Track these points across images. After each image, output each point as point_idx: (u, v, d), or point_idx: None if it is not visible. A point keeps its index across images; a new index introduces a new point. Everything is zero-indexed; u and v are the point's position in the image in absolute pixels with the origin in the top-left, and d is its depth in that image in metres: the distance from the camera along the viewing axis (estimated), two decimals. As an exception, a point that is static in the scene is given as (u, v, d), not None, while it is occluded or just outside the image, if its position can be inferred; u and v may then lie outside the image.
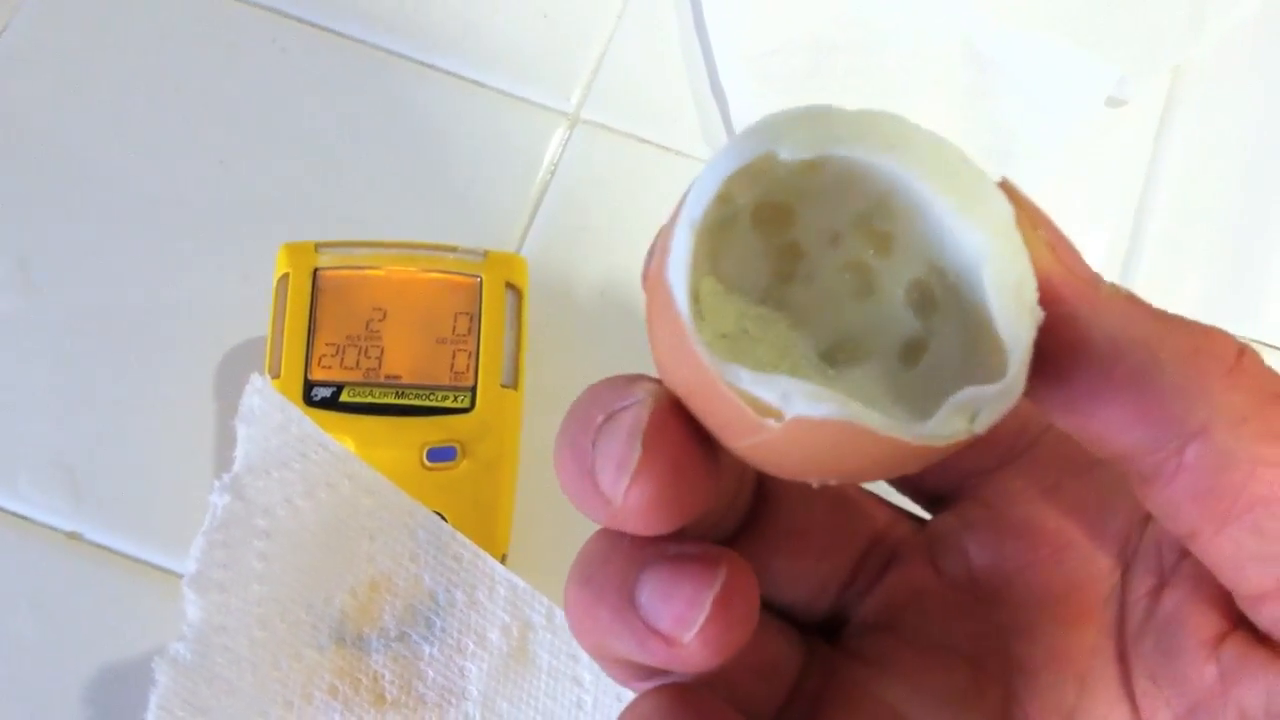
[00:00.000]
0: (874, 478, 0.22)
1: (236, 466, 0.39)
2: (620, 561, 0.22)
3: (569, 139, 0.52)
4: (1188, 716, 0.22)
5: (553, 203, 0.51)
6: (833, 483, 0.21)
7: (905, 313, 0.22)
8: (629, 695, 0.41)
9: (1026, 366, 0.19)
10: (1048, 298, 0.20)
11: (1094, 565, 0.24)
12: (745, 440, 0.20)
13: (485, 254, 0.46)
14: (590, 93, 0.53)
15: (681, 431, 0.21)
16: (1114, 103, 0.53)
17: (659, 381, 0.21)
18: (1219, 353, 0.20)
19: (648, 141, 0.53)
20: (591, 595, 0.22)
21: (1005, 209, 0.20)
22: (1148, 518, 0.23)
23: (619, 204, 0.52)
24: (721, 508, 0.24)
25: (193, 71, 0.52)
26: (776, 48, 0.53)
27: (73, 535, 0.45)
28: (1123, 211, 0.53)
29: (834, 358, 0.22)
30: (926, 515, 0.27)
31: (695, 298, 0.21)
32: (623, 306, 0.50)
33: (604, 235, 0.51)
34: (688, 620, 0.21)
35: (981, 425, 0.19)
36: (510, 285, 0.46)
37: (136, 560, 0.45)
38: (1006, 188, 0.20)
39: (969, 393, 0.19)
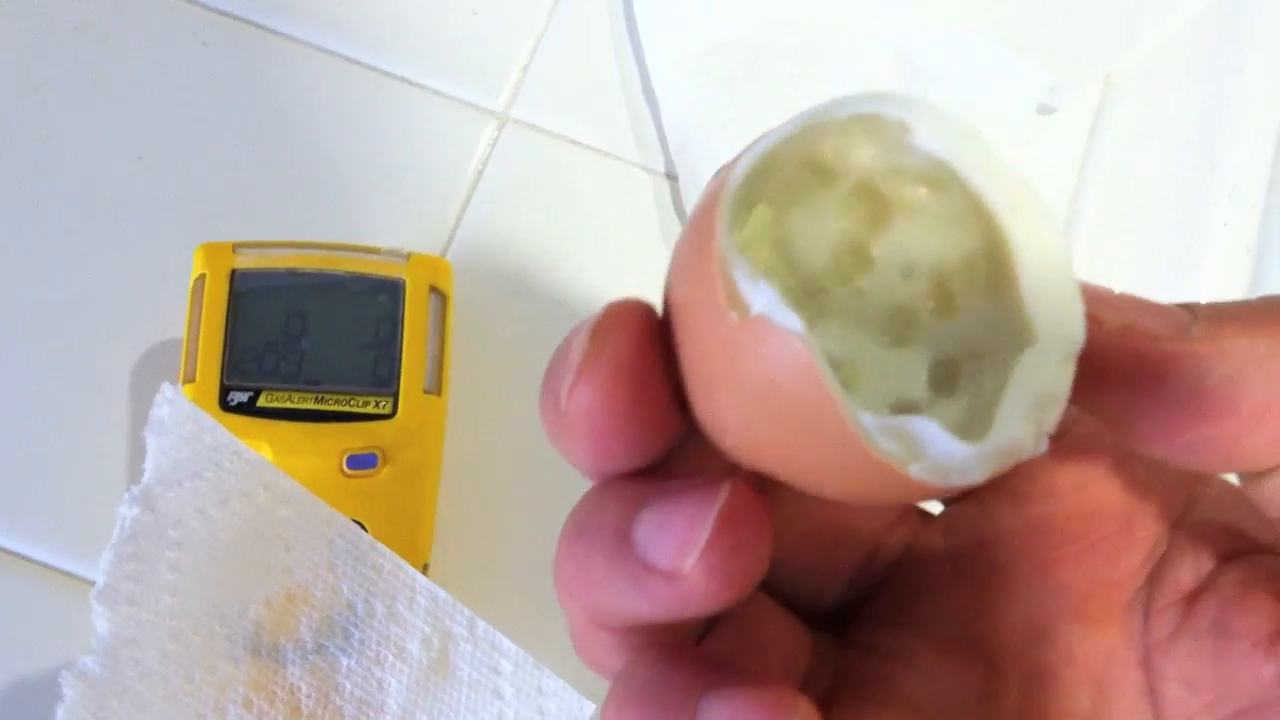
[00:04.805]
0: (818, 476, 0.20)
1: (146, 478, 0.38)
2: (615, 505, 0.21)
3: (497, 139, 0.52)
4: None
5: (480, 204, 0.50)
6: (786, 478, 0.20)
7: (920, 381, 0.21)
8: (551, 708, 0.41)
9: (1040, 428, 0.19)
10: (1143, 372, 0.20)
11: (1119, 568, 0.23)
12: (705, 333, 0.19)
13: (409, 256, 0.45)
14: (520, 92, 0.52)
15: (642, 333, 0.20)
16: (1045, 110, 0.54)
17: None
18: None
19: (578, 143, 0.52)
20: (584, 547, 0.21)
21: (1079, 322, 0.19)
22: (1179, 521, 0.23)
23: (548, 206, 0.51)
24: None
25: (112, 64, 0.51)
26: (709, 50, 0.52)
27: (-21, 542, 0.44)
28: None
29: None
30: (936, 510, 0.26)
31: (747, 207, 0.20)
32: (551, 311, 0.49)
33: (533, 238, 0.50)
34: (688, 544, 0.19)
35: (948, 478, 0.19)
36: (434, 289, 0.45)
37: (47, 567, 0.44)
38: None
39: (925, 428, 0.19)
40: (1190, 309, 0.20)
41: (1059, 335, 0.19)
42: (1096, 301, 0.20)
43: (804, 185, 0.21)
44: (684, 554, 0.19)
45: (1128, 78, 0.55)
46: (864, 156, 0.21)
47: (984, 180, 0.20)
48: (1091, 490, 0.24)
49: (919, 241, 0.21)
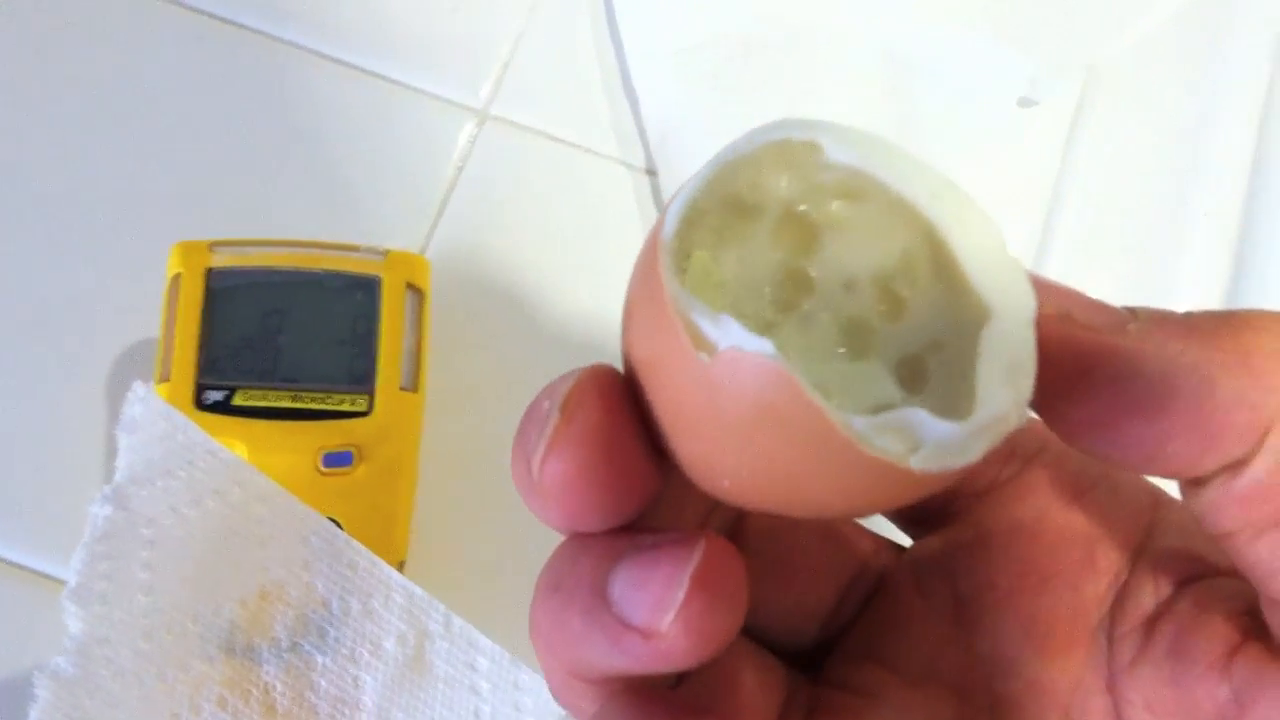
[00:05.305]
0: (821, 494, 0.20)
1: (118, 477, 0.38)
2: (591, 561, 0.20)
3: (477, 136, 0.51)
4: None
5: (460, 201, 0.50)
6: (788, 508, 0.20)
7: (889, 384, 0.21)
8: (528, 703, 0.41)
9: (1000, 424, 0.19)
10: (1076, 361, 0.20)
11: (1083, 595, 0.23)
12: (678, 383, 0.19)
13: (386, 254, 0.45)
14: (500, 88, 0.52)
15: (611, 401, 0.20)
16: (1026, 103, 0.53)
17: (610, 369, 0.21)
18: (1273, 348, 0.19)
19: (559, 139, 0.52)
20: (560, 601, 0.21)
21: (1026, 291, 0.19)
22: (1140, 548, 0.23)
23: (528, 203, 0.51)
24: None
25: (87, 62, 0.51)
26: (689, 47, 0.52)
27: (-44, 542, 0.44)
28: (1033, 211, 0.53)
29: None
30: (907, 543, 0.26)
31: (684, 256, 0.20)
32: (529, 309, 0.49)
33: (512, 235, 0.50)
34: (665, 603, 0.19)
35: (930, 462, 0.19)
36: (411, 286, 0.45)
37: (18, 567, 0.44)
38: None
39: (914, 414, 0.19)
40: (1131, 310, 0.20)
41: (1013, 304, 0.19)
42: (1036, 287, 0.20)
43: (731, 226, 0.21)
44: (661, 613, 0.19)
45: (1109, 70, 0.55)
46: (781, 184, 0.21)
47: (900, 178, 0.20)
48: (1054, 520, 0.24)
49: (853, 253, 0.21)
